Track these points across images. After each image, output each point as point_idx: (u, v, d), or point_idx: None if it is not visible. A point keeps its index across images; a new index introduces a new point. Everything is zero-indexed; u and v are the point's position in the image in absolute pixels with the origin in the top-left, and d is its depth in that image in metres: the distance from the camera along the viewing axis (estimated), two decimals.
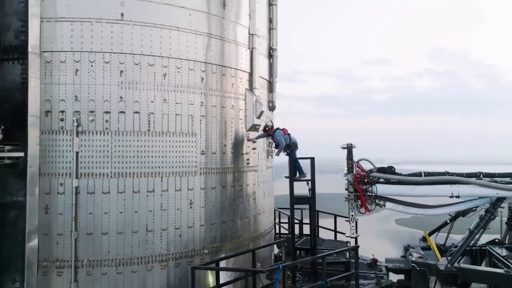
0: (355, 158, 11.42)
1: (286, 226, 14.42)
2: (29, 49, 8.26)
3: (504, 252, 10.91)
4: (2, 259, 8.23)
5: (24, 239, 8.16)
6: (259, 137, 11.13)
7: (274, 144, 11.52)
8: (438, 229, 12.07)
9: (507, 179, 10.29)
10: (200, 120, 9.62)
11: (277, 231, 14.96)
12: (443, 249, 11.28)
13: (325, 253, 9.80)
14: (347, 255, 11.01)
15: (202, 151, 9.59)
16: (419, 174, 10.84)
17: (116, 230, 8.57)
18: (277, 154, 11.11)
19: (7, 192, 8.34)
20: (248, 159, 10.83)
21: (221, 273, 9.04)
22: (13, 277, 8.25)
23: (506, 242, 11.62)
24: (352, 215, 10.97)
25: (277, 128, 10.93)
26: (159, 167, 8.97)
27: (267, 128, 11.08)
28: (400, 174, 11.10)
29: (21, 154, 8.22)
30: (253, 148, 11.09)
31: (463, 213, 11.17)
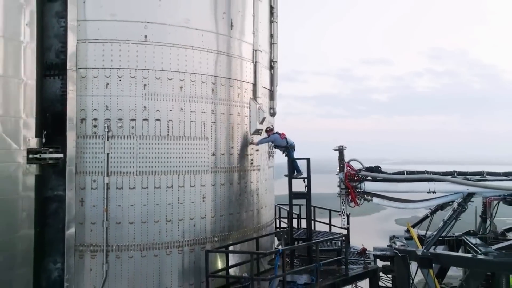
0: (347, 158, 12.91)
1: (285, 220, 15.92)
2: (68, 67, 9.75)
3: (477, 241, 12.42)
4: (46, 244, 9.72)
5: (63, 227, 9.65)
6: (261, 140, 12.59)
7: (273, 146, 13.12)
8: (420, 222, 13.56)
9: (477, 177, 11.80)
10: (211, 126, 11.12)
11: (277, 225, 16.48)
12: (423, 239, 12.77)
13: (318, 240, 11.32)
14: (340, 244, 12.53)
15: (213, 152, 11.10)
16: (401, 173, 12.36)
17: (140, 220, 10.07)
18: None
19: (49, 187, 9.85)
20: (252, 160, 12.35)
21: (229, 257, 10.59)
22: (55, 259, 9.75)
23: (479, 232, 13.13)
24: (343, 209, 12.46)
25: (276, 132, 12.47)
26: (176, 167, 10.47)
27: (267, 129, 12.63)
28: (385, 173, 12.61)
29: (61, 155, 9.71)
30: (257, 150, 12.61)
31: (441, 207, 12.65)
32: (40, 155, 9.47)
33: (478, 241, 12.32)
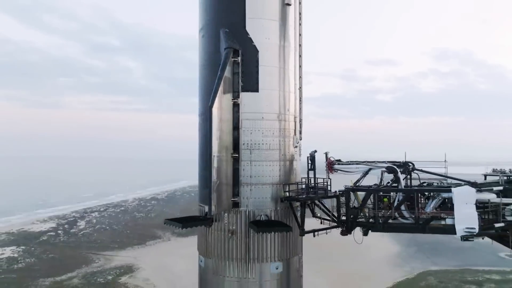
0: (330, 155, 34.24)
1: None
2: (239, 127, 31.28)
3: (375, 187, 33.68)
4: (235, 183, 31.22)
5: (238, 177, 31.15)
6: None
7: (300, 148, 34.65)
8: (357, 181, 34.72)
9: (374, 162, 33.05)
10: (280, 143, 32.50)
11: None
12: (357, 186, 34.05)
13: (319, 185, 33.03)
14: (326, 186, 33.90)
15: (282, 154, 32.51)
16: (351, 161, 33.75)
17: (258, 175, 31.40)
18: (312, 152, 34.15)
19: (235, 165, 31.42)
20: (293, 156, 33.76)
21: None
22: (237, 188, 31.17)
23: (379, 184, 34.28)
24: (327, 175, 33.92)
25: (315, 151, 33.97)
26: (270, 159, 31.78)
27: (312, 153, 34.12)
28: (344, 162, 33.96)
29: (236, 155, 31.17)
30: (295, 152, 34.04)
31: (365, 174, 33.83)
32: (232, 155, 31.05)
33: (376, 187, 33.68)
